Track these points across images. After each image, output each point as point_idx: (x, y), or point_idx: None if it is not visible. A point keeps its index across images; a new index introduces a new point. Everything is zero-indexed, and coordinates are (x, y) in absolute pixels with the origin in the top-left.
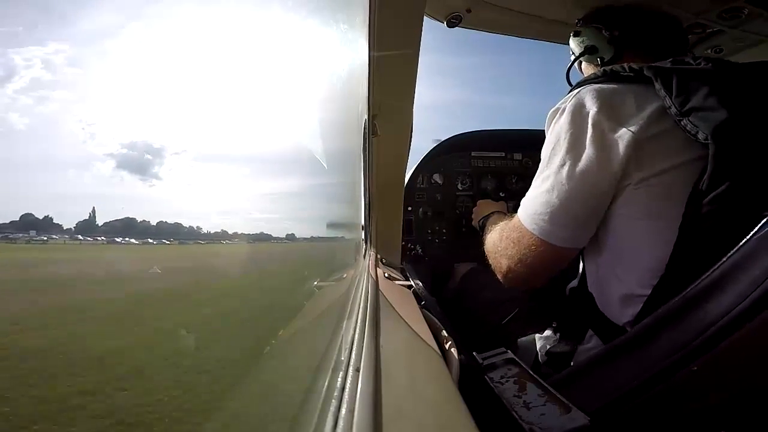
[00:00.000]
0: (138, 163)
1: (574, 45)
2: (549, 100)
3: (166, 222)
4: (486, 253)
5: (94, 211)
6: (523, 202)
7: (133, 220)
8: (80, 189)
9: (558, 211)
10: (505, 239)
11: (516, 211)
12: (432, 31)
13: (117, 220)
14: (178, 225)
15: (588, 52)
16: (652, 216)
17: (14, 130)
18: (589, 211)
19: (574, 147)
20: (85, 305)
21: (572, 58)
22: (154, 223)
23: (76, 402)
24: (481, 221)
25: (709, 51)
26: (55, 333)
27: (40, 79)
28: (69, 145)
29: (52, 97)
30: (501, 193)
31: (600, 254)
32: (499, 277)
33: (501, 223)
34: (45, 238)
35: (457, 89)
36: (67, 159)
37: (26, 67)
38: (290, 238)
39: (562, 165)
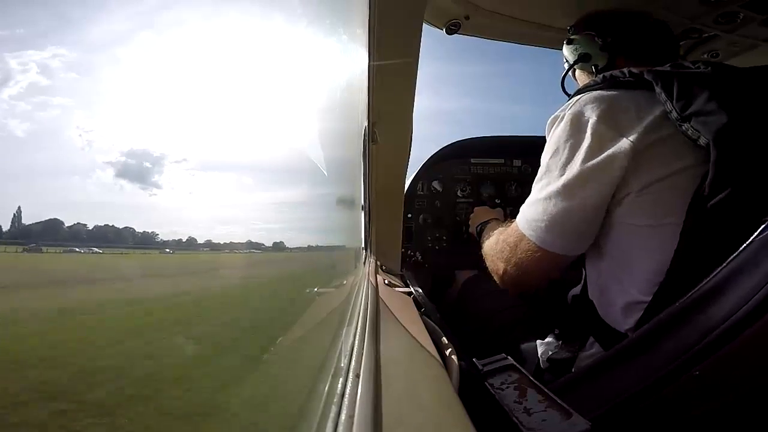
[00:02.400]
0: (137, 172)
1: (568, 53)
2: (558, 108)
3: (167, 231)
4: (484, 256)
5: (19, 215)
6: (522, 208)
7: (133, 229)
8: (79, 198)
9: (555, 220)
10: (502, 242)
11: (515, 217)
12: (436, 39)
13: (117, 228)
14: (179, 234)
15: (582, 59)
16: (654, 223)
17: (13, 136)
18: (585, 221)
19: (573, 155)
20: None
21: (566, 66)
22: (155, 231)
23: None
24: (479, 227)
25: (704, 55)
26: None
27: (38, 84)
28: (67, 153)
29: (51, 104)
30: (497, 200)
31: (601, 261)
32: (496, 279)
33: (499, 228)
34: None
35: (464, 98)
36: (65, 167)
37: (23, 71)
38: (290, 245)
39: (561, 174)
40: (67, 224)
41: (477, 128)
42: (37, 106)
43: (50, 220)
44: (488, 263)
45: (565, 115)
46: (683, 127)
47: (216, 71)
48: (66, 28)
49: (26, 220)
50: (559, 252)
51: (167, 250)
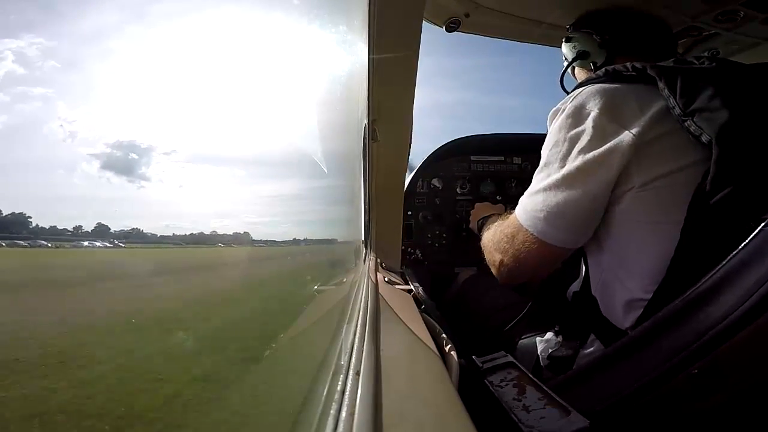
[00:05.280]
0: (124, 164)
1: (567, 51)
2: (557, 102)
3: (157, 225)
4: (482, 249)
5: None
6: (522, 199)
7: (123, 223)
8: (63, 191)
9: (553, 211)
10: (500, 234)
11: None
12: (432, 34)
13: (104, 221)
14: (171, 228)
15: (580, 57)
16: (655, 219)
17: None
18: (585, 214)
19: (573, 147)
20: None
21: (565, 64)
22: (146, 225)
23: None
24: (480, 222)
25: (705, 53)
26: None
27: (15, 73)
28: (49, 145)
29: (31, 94)
30: (498, 197)
31: (603, 258)
32: (493, 271)
33: (498, 221)
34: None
35: (460, 91)
36: (48, 159)
37: None
38: (290, 242)
39: (561, 166)
40: (50, 219)
41: (474, 122)
42: (16, 97)
43: (33, 214)
44: (486, 255)
45: (566, 107)
46: (686, 124)
47: (212, 64)
48: (45, 15)
49: (7, 214)
50: (556, 244)
51: (159, 244)
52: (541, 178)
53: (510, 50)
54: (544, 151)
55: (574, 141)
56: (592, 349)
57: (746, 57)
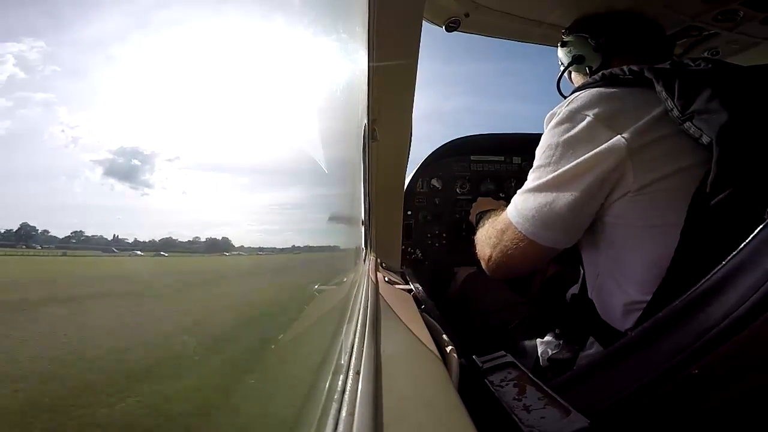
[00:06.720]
0: (127, 171)
1: (562, 55)
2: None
3: (161, 232)
4: (475, 242)
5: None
6: (514, 197)
7: (125, 230)
8: (66, 198)
9: (543, 212)
10: (491, 229)
11: None
12: (436, 38)
13: (107, 229)
14: (173, 235)
15: (575, 61)
16: (653, 222)
17: None
18: (574, 217)
19: (567, 151)
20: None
21: (561, 68)
22: (149, 233)
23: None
24: (477, 216)
25: (705, 53)
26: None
27: (17, 77)
28: (51, 151)
29: (33, 100)
30: (501, 194)
31: (600, 261)
32: (482, 264)
33: (493, 217)
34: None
35: (463, 96)
36: (49, 166)
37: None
38: (290, 244)
39: (554, 169)
40: (53, 226)
41: (474, 128)
42: (17, 102)
43: (35, 221)
44: (477, 248)
45: (562, 111)
46: (685, 126)
47: (213, 69)
48: (47, 18)
49: (11, 221)
50: (544, 243)
51: (162, 252)
52: (533, 179)
53: (510, 55)
54: (539, 152)
55: (567, 144)
56: (591, 351)
57: (746, 57)
